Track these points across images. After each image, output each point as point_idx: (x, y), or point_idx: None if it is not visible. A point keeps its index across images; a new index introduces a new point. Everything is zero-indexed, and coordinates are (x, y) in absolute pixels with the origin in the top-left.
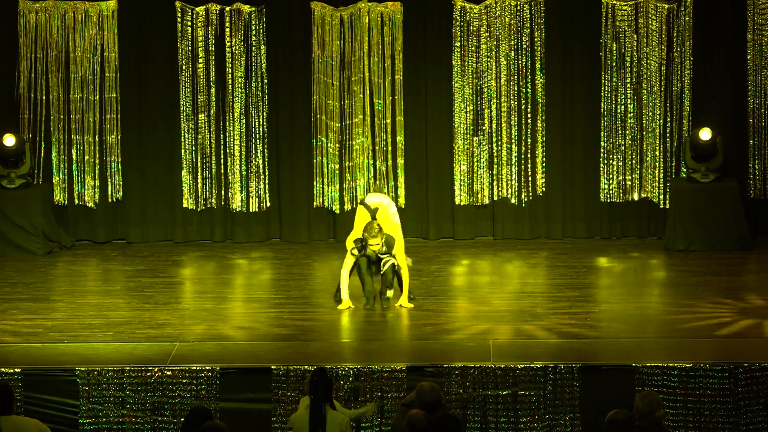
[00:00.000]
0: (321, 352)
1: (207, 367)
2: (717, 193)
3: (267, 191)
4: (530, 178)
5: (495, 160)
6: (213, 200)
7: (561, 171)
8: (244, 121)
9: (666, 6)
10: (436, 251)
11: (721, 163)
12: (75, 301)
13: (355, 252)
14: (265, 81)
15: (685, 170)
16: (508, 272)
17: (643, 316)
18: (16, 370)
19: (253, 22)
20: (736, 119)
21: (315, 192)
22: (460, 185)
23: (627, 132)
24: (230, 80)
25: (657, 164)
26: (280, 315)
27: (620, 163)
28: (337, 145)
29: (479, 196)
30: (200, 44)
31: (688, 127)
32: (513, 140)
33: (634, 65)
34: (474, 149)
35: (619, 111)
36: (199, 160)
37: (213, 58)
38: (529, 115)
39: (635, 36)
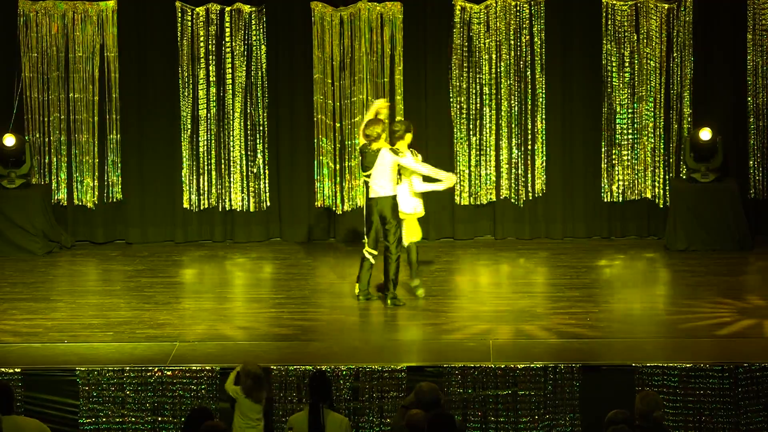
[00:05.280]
0: (321, 352)
1: (207, 367)
2: (717, 193)
3: (267, 191)
4: (530, 178)
5: (495, 160)
6: (213, 200)
7: (561, 171)
8: (244, 121)
9: (666, 6)
10: (436, 251)
11: (721, 163)
12: (75, 301)
13: None
14: (265, 81)
15: (685, 170)
16: (508, 272)
17: (643, 316)
18: (16, 370)
19: (253, 22)
20: (736, 119)
21: (315, 192)
22: (461, 185)
23: (627, 132)
24: (230, 80)
25: (657, 164)
26: (280, 315)
27: (620, 163)
28: (338, 145)
29: (479, 196)
30: (200, 44)
31: (688, 127)
32: (513, 140)
33: (634, 65)
34: (474, 149)
35: (619, 111)
36: (199, 160)
37: (213, 58)
38: (529, 115)
39: (635, 36)
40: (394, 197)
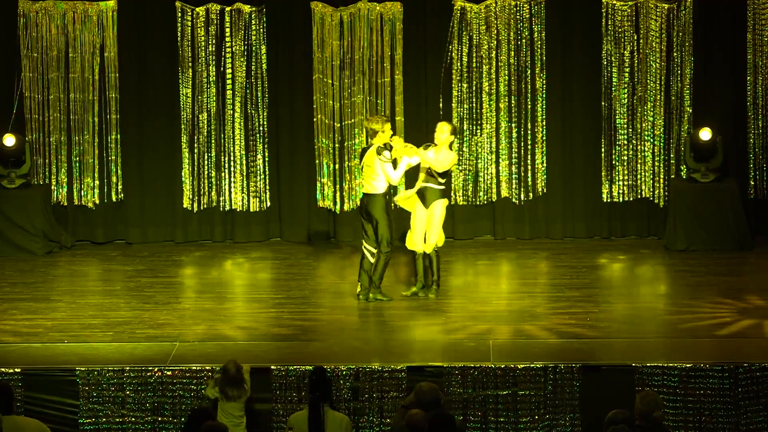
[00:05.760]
0: (321, 352)
1: (207, 367)
2: (717, 193)
3: (267, 191)
4: (530, 178)
5: (495, 160)
6: (213, 200)
7: (561, 171)
8: (244, 121)
9: (666, 6)
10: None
11: (721, 163)
12: (75, 301)
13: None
14: (265, 81)
15: (685, 170)
16: (508, 272)
17: (643, 316)
18: (16, 370)
19: (253, 22)
20: (736, 119)
21: (316, 192)
22: (460, 185)
23: (627, 132)
24: (230, 80)
25: (657, 164)
26: (280, 315)
27: (620, 163)
28: (337, 145)
29: (479, 196)
30: (200, 44)
31: (688, 127)
32: (513, 140)
33: (634, 65)
34: (474, 149)
35: (619, 111)
36: (199, 160)
37: (213, 58)
38: (529, 115)
39: (635, 36)
40: (383, 195)
